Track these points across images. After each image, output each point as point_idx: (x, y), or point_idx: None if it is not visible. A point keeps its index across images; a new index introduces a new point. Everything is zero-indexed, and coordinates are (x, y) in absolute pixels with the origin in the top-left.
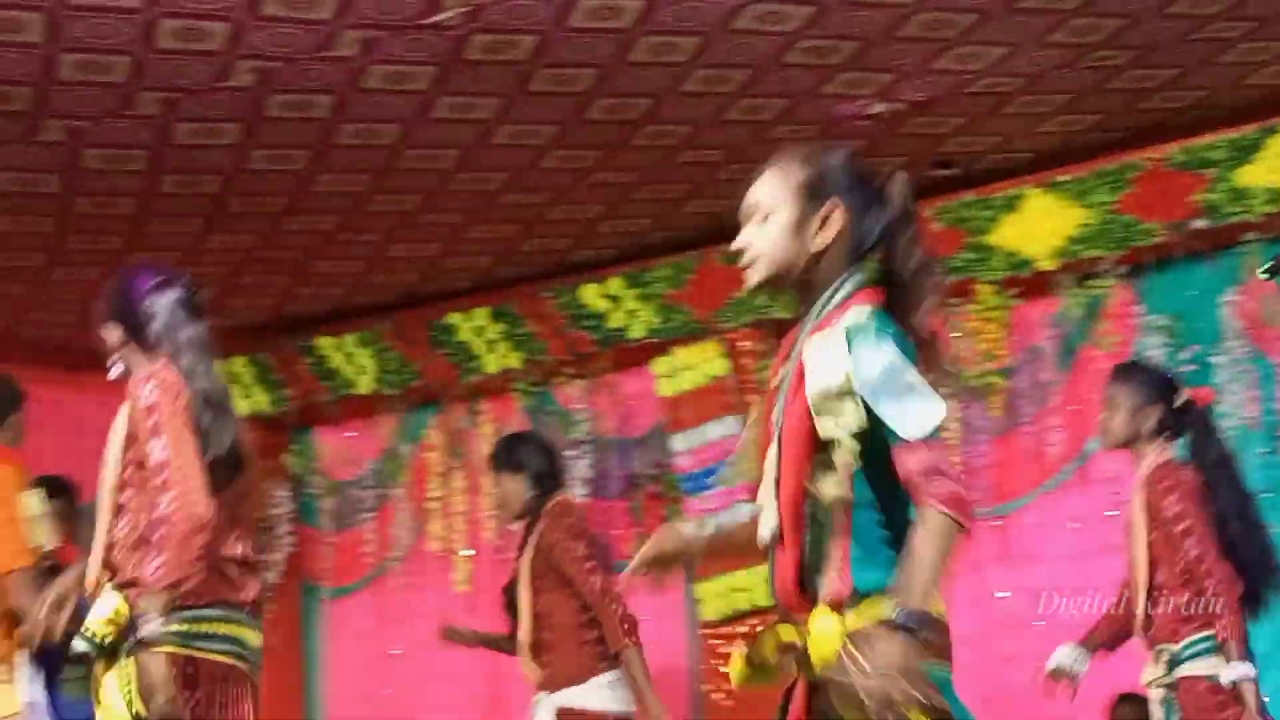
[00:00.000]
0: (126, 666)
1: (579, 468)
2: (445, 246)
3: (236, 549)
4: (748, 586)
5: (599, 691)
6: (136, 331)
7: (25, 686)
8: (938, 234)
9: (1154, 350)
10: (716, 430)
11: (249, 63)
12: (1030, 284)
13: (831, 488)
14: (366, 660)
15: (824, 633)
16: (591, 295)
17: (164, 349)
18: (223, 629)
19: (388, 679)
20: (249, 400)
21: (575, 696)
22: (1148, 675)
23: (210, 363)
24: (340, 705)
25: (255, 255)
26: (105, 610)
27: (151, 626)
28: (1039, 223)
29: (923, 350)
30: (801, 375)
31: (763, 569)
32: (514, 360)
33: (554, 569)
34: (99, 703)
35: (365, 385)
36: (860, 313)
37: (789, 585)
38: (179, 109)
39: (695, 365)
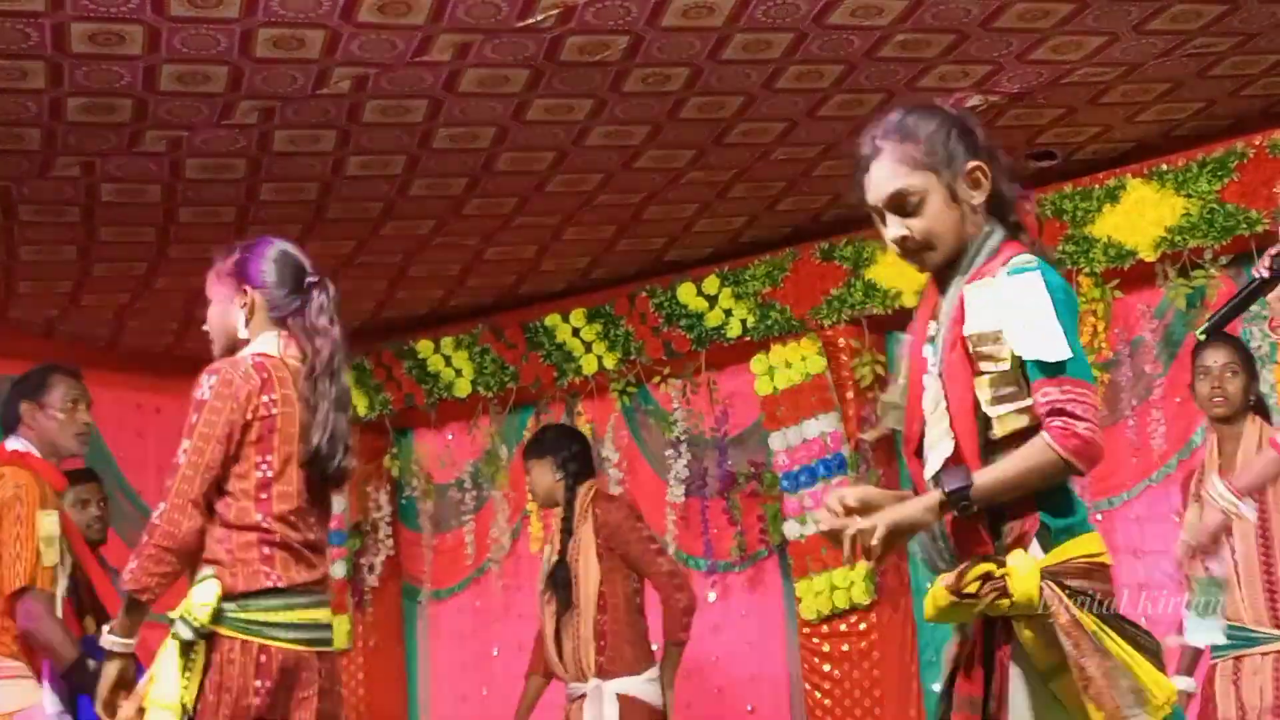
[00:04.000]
0: (198, 652)
1: (676, 467)
2: (541, 248)
3: (312, 534)
4: (846, 584)
5: (649, 685)
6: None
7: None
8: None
9: (1258, 342)
10: (814, 428)
11: (345, 70)
12: (1132, 275)
13: (1000, 425)
14: (466, 661)
15: (1025, 570)
16: (688, 294)
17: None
18: (296, 616)
19: (487, 680)
20: None
21: (631, 686)
22: None
23: (329, 352)
24: (441, 706)
25: (353, 260)
26: (208, 595)
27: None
28: (1140, 213)
29: None
30: (960, 320)
31: (860, 568)
32: (611, 360)
33: (615, 551)
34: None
35: (463, 388)
36: (1025, 259)
37: (977, 522)
38: (277, 117)
39: (792, 363)
